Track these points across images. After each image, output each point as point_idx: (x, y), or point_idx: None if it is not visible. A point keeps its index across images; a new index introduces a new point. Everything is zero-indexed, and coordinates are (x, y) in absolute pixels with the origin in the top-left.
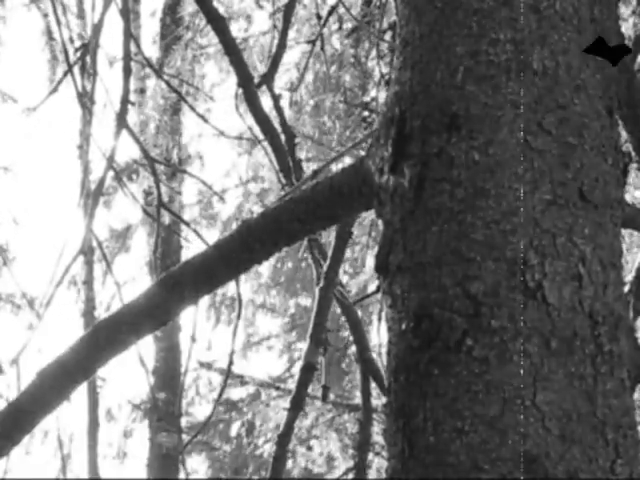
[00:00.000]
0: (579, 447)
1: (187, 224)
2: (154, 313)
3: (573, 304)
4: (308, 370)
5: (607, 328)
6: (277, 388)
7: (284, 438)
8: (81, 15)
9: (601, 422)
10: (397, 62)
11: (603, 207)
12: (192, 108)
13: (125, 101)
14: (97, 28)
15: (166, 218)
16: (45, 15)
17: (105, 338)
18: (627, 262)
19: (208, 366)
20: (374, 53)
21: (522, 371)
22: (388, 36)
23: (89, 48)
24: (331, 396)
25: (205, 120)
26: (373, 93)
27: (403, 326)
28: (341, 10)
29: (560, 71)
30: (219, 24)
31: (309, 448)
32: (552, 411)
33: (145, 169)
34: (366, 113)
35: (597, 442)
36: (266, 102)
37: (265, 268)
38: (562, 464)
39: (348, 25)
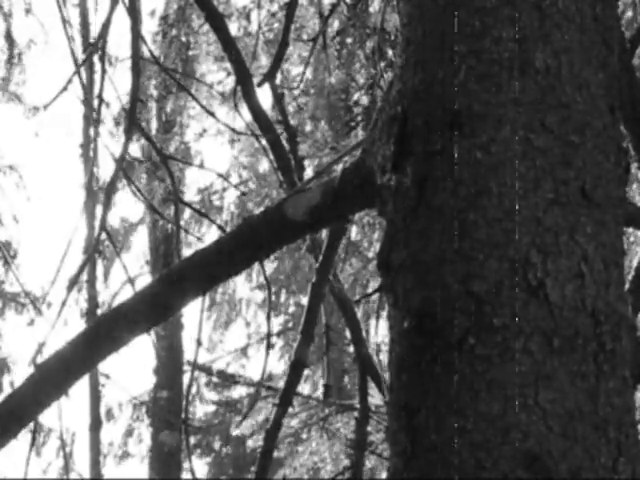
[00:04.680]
0: (581, 445)
1: (205, 215)
2: (155, 309)
3: (575, 302)
4: (297, 366)
5: (609, 327)
6: (273, 389)
7: (272, 434)
8: (85, 14)
9: (603, 420)
10: (400, 60)
11: (605, 206)
12: (204, 108)
13: (135, 99)
14: (105, 27)
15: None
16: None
17: (105, 333)
18: (627, 261)
19: (207, 370)
20: (360, 56)
21: (524, 369)
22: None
23: (97, 47)
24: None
25: (213, 116)
26: (356, 96)
27: (405, 324)
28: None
29: (562, 69)
30: (218, 22)
31: (306, 447)
32: (554, 409)
33: (146, 166)
34: (357, 112)
35: (599, 440)
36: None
37: (266, 266)
38: (564, 463)
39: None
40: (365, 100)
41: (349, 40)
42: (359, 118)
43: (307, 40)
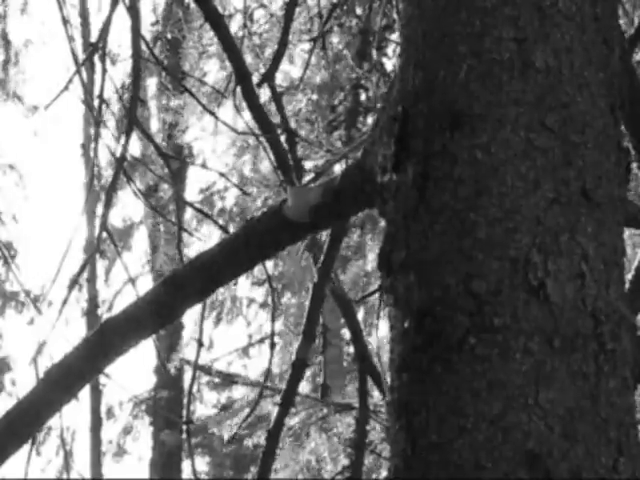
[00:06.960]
0: (582, 445)
1: (208, 216)
2: (159, 312)
3: (576, 302)
4: (299, 366)
5: (610, 326)
6: (272, 389)
7: (274, 433)
8: (85, 14)
9: (604, 420)
10: (400, 60)
11: (606, 205)
12: (205, 108)
13: (135, 99)
14: (105, 27)
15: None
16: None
17: (111, 338)
18: (627, 261)
19: (207, 370)
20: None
21: (525, 369)
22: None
23: (98, 46)
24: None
25: (215, 116)
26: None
27: (406, 324)
28: (315, 11)
29: (563, 69)
30: (217, 21)
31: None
32: (555, 409)
33: (146, 166)
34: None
35: (600, 440)
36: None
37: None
38: (565, 462)
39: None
40: (348, 101)
41: (335, 40)
42: (342, 118)
43: (307, 40)
